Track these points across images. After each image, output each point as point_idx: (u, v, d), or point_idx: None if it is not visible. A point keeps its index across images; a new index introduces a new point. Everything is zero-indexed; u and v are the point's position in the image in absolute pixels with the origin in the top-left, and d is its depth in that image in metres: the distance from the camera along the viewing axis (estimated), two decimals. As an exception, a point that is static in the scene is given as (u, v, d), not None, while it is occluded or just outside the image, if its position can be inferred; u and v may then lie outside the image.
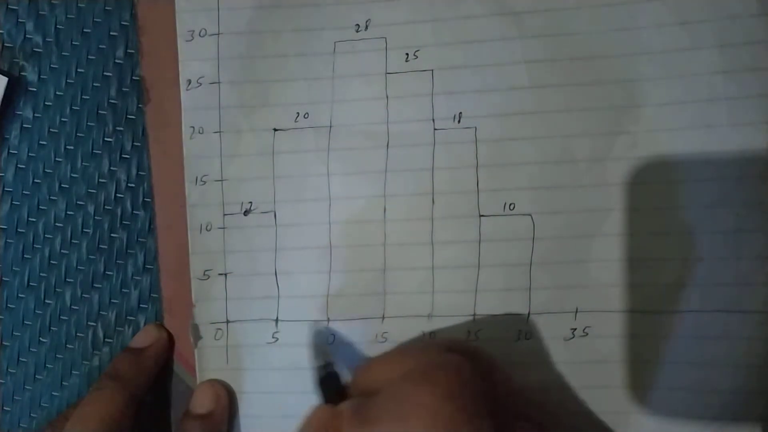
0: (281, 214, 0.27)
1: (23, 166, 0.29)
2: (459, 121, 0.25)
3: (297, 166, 0.26)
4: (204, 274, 0.27)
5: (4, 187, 0.29)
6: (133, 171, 0.29)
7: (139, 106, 0.28)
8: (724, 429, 0.24)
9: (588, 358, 0.25)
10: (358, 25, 0.26)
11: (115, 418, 0.24)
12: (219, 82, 0.27)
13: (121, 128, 0.29)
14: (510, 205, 0.25)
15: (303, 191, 0.26)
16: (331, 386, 0.23)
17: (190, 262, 0.27)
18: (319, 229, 0.26)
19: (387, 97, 0.26)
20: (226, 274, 0.27)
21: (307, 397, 0.23)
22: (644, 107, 0.25)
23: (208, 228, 0.27)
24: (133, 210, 0.29)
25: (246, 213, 0.27)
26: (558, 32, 0.25)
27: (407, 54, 0.26)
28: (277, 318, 0.27)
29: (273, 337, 0.26)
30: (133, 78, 0.28)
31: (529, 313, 0.25)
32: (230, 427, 0.27)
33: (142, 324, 0.28)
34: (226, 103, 0.27)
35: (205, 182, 0.27)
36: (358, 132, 0.26)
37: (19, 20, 0.29)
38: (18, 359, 0.29)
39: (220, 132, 0.27)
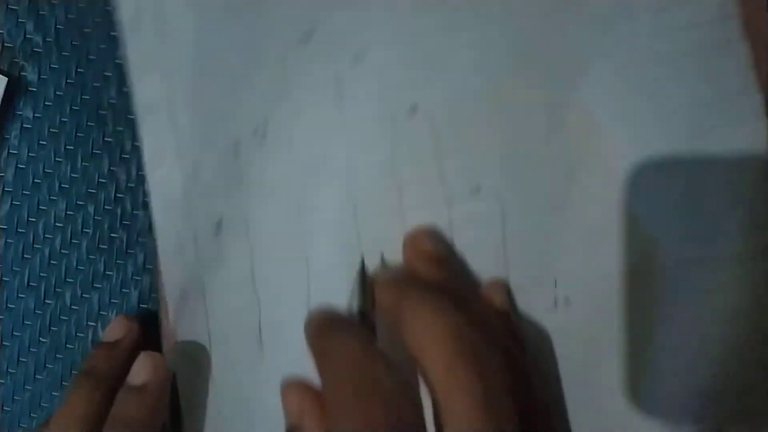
0: (253, 227, 0.27)
1: (23, 166, 0.29)
2: (415, 112, 0.26)
3: (262, 178, 0.27)
4: (181, 293, 0.27)
5: (4, 187, 0.29)
6: (133, 171, 0.29)
7: (139, 106, 0.28)
8: (715, 384, 0.24)
9: (572, 327, 0.25)
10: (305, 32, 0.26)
11: (95, 417, 0.24)
12: (174, 105, 0.27)
13: (121, 128, 0.29)
14: (476, 187, 0.25)
15: (272, 201, 0.27)
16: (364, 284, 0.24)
17: (165, 284, 0.27)
18: (293, 237, 0.26)
19: (341, 97, 0.26)
20: (204, 293, 0.27)
21: None
22: (590, 76, 0.25)
23: (180, 250, 0.27)
24: (133, 210, 0.29)
25: (217, 230, 0.27)
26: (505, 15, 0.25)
27: (357, 53, 0.26)
28: (259, 325, 0.26)
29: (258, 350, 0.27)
30: (133, 78, 0.28)
31: (509, 290, 0.25)
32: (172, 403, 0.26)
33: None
34: (184, 124, 0.27)
35: (172, 204, 0.27)
36: (318, 136, 0.26)
37: (19, 20, 0.29)
38: (18, 359, 0.29)
39: (180, 153, 0.27)
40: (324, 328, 0.21)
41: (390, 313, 0.22)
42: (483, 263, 0.25)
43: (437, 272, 0.24)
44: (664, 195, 0.24)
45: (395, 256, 0.26)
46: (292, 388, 0.22)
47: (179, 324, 0.27)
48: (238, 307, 0.27)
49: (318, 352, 0.21)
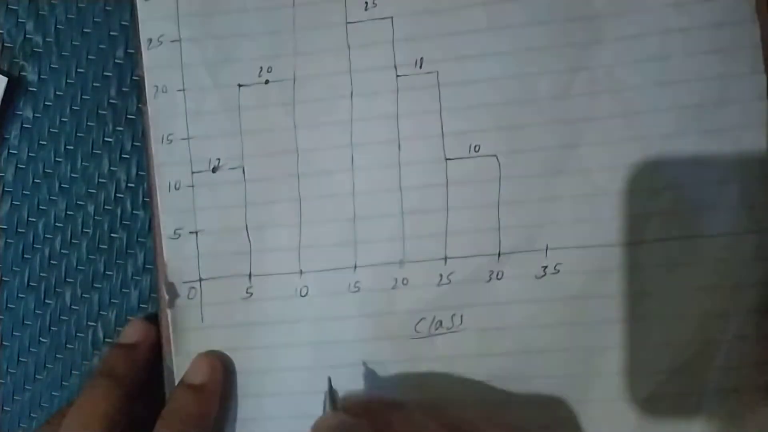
0: (250, 170, 0.27)
1: (23, 166, 0.29)
2: (421, 67, 0.26)
3: (263, 121, 0.27)
4: (175, 233, 0.27)
5: (4, 187, 0.29)
6: (133, 171, 0.29)
7: (139, 106, 0.28)
8: (699, 354, 0.24)
9: (561, 295, 0.25)
10: None
11: (111, 417, 0.24)
12: (180, 40, 0.27)
13: (121, 128, 0.29)
14: (475, 147, 0.25)
15: (270, 145, 0.27)
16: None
17: (161, 221, 0.27)
18: (288, 182, 0.26)
19: (348, 46, 0.26)
20: (197, 232, 0.27)
21: (282, 351, 0.25)
22: (602, 43, 0.25)
23: (177, 187, 0.27)
24: (133, 210, 0.29)
25: (214, 170, 0.27)
26: None
27: (366, 2, 0.26)
28: (250, 273, 0.27)
29: (247, 293, 0.27)
30: (133, 78, 0.29)
31: (499, 254, 0.25)
32: (226, 404, 0.26)
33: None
34: (189, 60, 0.27)
35: (171, 141, 0.27)
36: (322, 83, 0.26)
37: (19, 20, 0.29)
38: (18, 359, 0.29)
39: (183, 90, 0.27)
40: None
41: None
42: (476, 224, 0.25)
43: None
44: (660, 168, 0.25)
45: (388, 209, 0.26)
46: None
47: (171, 261, 0.27)
48: (230, 252, 0.27)
49: None
